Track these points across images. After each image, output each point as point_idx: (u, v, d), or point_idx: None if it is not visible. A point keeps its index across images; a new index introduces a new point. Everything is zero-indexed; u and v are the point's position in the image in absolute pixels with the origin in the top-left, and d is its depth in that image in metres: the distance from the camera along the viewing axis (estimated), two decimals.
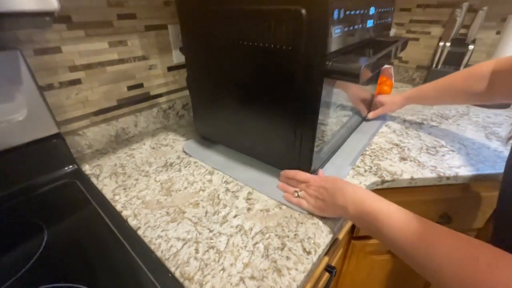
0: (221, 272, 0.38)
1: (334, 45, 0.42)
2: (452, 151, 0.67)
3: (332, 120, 0.55)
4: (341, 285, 0.85)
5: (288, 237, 0.43)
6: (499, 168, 0.60)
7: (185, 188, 0.54)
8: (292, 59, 0.43)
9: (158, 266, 0.39)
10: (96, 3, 0.60)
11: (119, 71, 0.68)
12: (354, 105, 0.69)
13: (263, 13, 0.43)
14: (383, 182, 0.57)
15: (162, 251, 0.41)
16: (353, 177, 0.57)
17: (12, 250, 0.41)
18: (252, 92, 0.53)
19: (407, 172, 0.59)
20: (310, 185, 0.49)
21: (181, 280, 0.37)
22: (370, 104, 0.83)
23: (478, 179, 0.59)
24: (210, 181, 0.56)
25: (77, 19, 0.58)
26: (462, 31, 1.02)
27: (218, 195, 0.52)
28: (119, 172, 0.60)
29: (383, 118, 0.84)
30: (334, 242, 0.54)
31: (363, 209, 0.40)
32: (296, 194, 0.50)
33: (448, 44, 0.97)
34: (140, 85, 0.74)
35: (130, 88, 0.72)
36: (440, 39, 1.03)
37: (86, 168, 0.61)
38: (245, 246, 0.42)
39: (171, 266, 0.39)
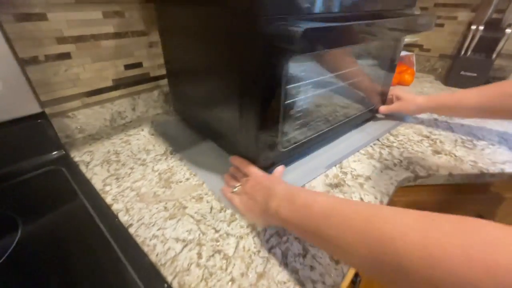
0: (230, 284, 0.30)
1: (290, 6, 0.33)
2: (492, 145, 0.58)
3: (305, 106, 0.45)
4: None
5: None
6: None
7: (187, 179, 0.47)
8: (233, 19, 0.35)
9: (151, 273, 0.31)
10: None
11: (115, 46, 0.61)
12: (355, 92, 0.59)
13: None
14: (416, 178, 0.49)
15: (157, 255, 0.34)
16: (381, 171, 0.49)
17: None
18: (202, 64, 0.47)
19: (443, 167, 0.51)
20: (248, 180, 0.41)
21: None
22: (383, 96, 0.68)
23: None
24: None
25: None
26: (494, 16, 0.93)
27: None
28: (112, 160, 0.52)
29: (399, 118, 0.69)
30: None
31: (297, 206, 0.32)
32: (232, 190, 0.42)
33: (481, 28, 0.87)
34: (139, 64, 0.66)
35: (127, 67, 0.64)
36: (470, 24, 0.94)
37: (76, 155, 0.54)
38: (259, 251, 0.34)
39: (167, 274, 0.31)
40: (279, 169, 0.45)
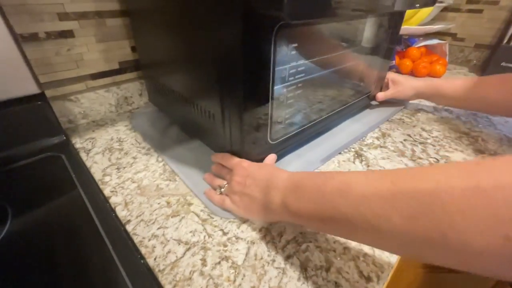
0: None
1: None
2: None
3: (296, 92, 0.38)
4: None
5: (335, 251, 0.30)
6: None
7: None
8: None
9: (147, 280, 0.27)
10: None
11: (122, 26, 0.56)
12: (350, 77, 0.52)
13: None
14: None
15: (155, 258, 0.29)
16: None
17: None
18: (174, 47, 0.42)
19: None
20: (235, 174, 0.34)
21: None
22: (379, 82, 0.62)
23: None
24: None
25: None
26: None
27: None
28: (115, 148, 0.48)
29: (400, 104, 0.64)
30: None
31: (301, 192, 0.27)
32: (219, 190, 0.36)
33: None
34: None
35: (135, 49, 0.60)
36: None
37: (77, 141, 0.50)
38: (273, 261, 0.29)
39: (166, 282, 0.27)
40: (271, 157, 0.40)
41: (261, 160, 0.38)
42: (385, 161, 0.45)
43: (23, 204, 0.36)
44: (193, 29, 0.34)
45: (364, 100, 0.59)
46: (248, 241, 0.31)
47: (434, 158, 0.46)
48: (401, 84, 0.60)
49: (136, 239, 0.31)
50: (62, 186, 0.39)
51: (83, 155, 0.46)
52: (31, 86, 0.43)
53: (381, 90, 0.62)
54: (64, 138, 0.49)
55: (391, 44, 0.57)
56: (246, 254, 0.30)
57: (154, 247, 0.30)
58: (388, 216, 0.19)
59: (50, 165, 0.43)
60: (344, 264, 0.29)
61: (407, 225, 0.18)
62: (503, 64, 0.84)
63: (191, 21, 0.34)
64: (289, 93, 0.37)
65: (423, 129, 0.55)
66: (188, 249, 0.30)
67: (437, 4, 0.85)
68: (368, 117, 0.59)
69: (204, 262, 0.29)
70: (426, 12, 0.86)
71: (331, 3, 0.27)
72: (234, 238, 0.31)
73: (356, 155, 0.47)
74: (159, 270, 0.28)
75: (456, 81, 0.54)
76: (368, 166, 0.44)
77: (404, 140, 0.51)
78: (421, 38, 0.95)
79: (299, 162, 0.44)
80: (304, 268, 0.28)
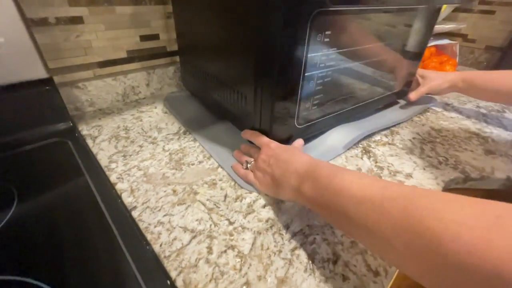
0: None
1: None
2: None
3: (325, 80, 0.39)
4: None
5: (342, 244, 0.30)
6: None
7: (200, 162, 0.42)
8: None
9: (153, 266, 0.27)
10: None
11: (131, 14, 0.56)
12: (380, 71, 0.51)
13: None
14: (466, 179, 0.42)
15: (161, 245, 0.29)
16: (424, 169, 0.42)
17: None
18: (215, 34, 0.43)
19: (499, 169, 0.43)
20: (261, 153, 0.36)
21: None
22: (407, 80, 0.59)
23: None
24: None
25: None
26: None
27: None
28: (121, 136, 0.48)
29: (425, 101, 0.63)
30: None
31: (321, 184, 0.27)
32: (245, 165, 0.38)
33: None
34: (156, 36, 0.61)
35: (143, 38, 0.59)
36: None
37: (83, 128, 0.50)
38: (280, 252, 0.29)
39: (171, 268, 0.26)
40: (299, 141, 0.40)
41: (287, 142, 0.40)
42: (393, 158, 0.45)
43: (29, 187, 0.36)
44: (233, 15, 0.36)
45: (392, 96, 0.58)
46: (254, 231, 0.31)
47: (443, 157, 0.46)
48: (433, 79, 0.58)
49: (142, 225, 0.31)
50: (68, 171, 0.39)
51: (89, 142, 0.46)
52: (40, 70, 0.43)
53: (409, 90, 0.60)
54: (71, 124, 0.49)
55: (423, 43, 0.55)
56: (253, 244, 0.29)
57: (160, 233, 0.30)
58: (392, 242, 0.20)
59: (57, 150, 0.43)
60: (352, 257, 0.28)
61: (408, 256, 0.19)
62: None
63: (231, 7, 0.36)
64: (318, 80, 0.38)
65: (432, 128, 0.55)
66: (194, 237, 0.30)
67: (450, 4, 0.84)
68: (393, 114, 0.58)
69: (210, 250, 0.28)
70: None
71: None
72: (240, 228, 0.31)
73: (364, 151, 0.46)
74: (165, 256, 0.28)
75: (492, 74, 0.53)
76: (376, 162, 0.43)
77: (413, 138, 0.51)
78: (431, 38, 0.94)
79: (321, 148, 0.45)
80: (311, 260, 0.28)
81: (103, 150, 0.44)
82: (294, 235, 0.30)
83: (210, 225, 0.31)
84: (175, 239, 0.29)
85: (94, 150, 0.44)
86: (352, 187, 0.24)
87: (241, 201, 0.35)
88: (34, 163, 0.41)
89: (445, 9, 0.87)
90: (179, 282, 0.25)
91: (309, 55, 0.33)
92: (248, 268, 0.27)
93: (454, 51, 0.91)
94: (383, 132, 0.52)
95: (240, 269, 0.27)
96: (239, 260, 0.28)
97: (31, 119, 0.45)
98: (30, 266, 0.27)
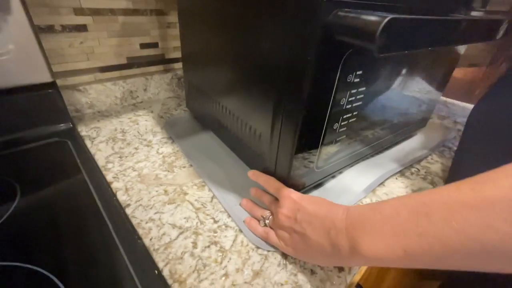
0: (223, 278, 0.28)
1: None
2: None
3: (347, 119, 0.35)
4: None
5: None
6: None
7: (191, 165, 0.45)
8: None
9: (143, 257, 0.30)
10: None
11: (132, 23, 0.59)
12: (405, 104, 0.46)
13: None
14: None
15: (151, 239, 0.32)
16: (396, 178, 0.46)
17: None
18: (226, 58, 0.39)
19: None
20: (282, 206, 0.31)
21: (169, 281, 0.28)
22: (430, 109, 0.56)
23: None
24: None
25: None
26: None
27: None
28: (118, 138, 0.51)
29: (443, 132, 0.62)
30: None
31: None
32: (262, 222, 0.33)
33: None
34: (155, 44, 0.65)
35: (143, 46, 0.63)
36: None
37: (83, 129, 0.53)
38: (257, 248, 0.32)
39: (159, 260, 0.30)
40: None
41: (302, 187, 0.37)
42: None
43: (31, 183, 0.39)
44: (253, 39, 0.32)
45: (412, 127, 0.55)
46: (236, 229, 0.34)
47: (416, 168, 0.50)
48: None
49: (134, 221, 0.34)
50: (68, 169, 0.42)
51: (87, 143, 0.49)
52: (45, 74, 0.46)
53: (430, 115, 0.57)
54: (71, 125, 0.52)
55: (451, 69, 0.52)
56: (234, 241, 0.33)
57: (151, 229, 0.33)
58: (491, 225, 0.17)
59: (57, 149, 0.46)
60: None
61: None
62: None
63: (253, 31, 0.32)
64: (343, 122, 0.34)
65: None
66: (181, 233, 0.33)
67: None
68: (411, 147, 0.55)
69: (195, 245, 0.32)
70: None
71: (432, 34, 0.25)
72: (223, 226, 0.34)
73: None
74: (154, 249, 0.31)
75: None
76: None
77: None
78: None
79: (338, 186, 0.42)
80: (284, 256, 0.31)
81: (101, 151, 0.47)
82: None
83: (197, 223, 0.35)
84: (164, 234, 0.33)
85: (92, 150, 0.47)
86: (430, 205, 0.20)
87: None
88: (36, 160, 0.44)
89: None
90: (165, 272, 0.29)
91: (336, 95, 0.30)
92: (228, 261, 0.30)
93: None
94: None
95: (221, 262, 0.30)
96: (221, 254, 0.31)
97: (34, 119, 0.48)
98: (31, 254, 0.29)
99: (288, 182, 0.34)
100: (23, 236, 0.31)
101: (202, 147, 0.49)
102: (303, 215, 0.28)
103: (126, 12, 0.58)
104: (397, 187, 0.44)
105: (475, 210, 0.18)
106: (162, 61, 0.68)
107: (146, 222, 0.34)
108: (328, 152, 0.37)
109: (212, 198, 0.39)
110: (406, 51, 0.23)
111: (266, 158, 0.36)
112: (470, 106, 0.79)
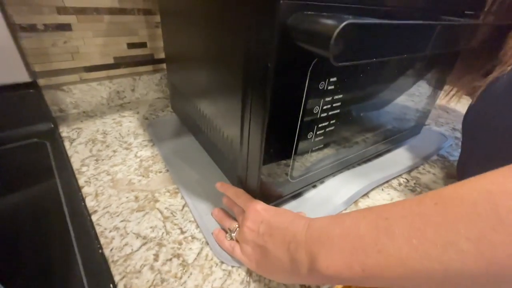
0: None
1: None
2: None
3: (323, 127, 0.32)
4: None
5: None
6: None
7: (167, 170, 0.44)
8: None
9: (100, 269, 0.29)
10: None
11: (119, 23, 0.58)
12: (393, 112, 0.43)
13: None
14: None
15: (112, 249, 0.31)
16: (382, 189, 0.44)
17: None
18: (200, 57, 0.37)
19: None
20: (247, 218, 0.29)
21: None
22: (424, 115, 0.52)
23: None
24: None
25: None
26: None
27: None
28: (98, 140, 0.50)
29: (438, 139, 0.58)
30: None
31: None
32: (229, 235, 0.31)
33: None
34: (143, 44, 0.64)
35: (130, 46, 0.62)
36: None
37: (64, 130, 0.52)
38: (222, 263, 0.30)
39: (116, 273, 0.28)
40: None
41: (277, 198, 0.35)
42: None
43: (1, 186, 0.38)
44: (222, 39, 0.30)
45: (403, 136, 0.51)
46: (202, 241, 0.33)
47: (405, 178, 0.47)
48: None
49: (98, 229, 0.33)
50: (41, 172, 0.41)
51: (67, 144, 0.48)
52: (23, 74, 0.45)
53: (424, 121, 0.53)
54: (52, 126, 0.51)
55: (447, 70, 0.47)
56: (198, 254, 0.31)
57: (113, 238, 0.32)
58: (453, 243, 0.15)
59: (34, 151, 0.46)
60: None
61: (479, 248, 0.15)
62: None
63: (221, 32, 0.30)
64: (319, 130, 0.32)
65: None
66: (144, 244, 0.32)
67: None
68: (402, 156, 0.52)
69: (156, 257, 0.30)
70: None
71: (398, 41, 0.22)
72: (190, 238, 0.33)
73: None
74: (113, 261, 0.29)
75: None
76: None
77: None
78: None
79: (316, 201, 0.39)
80: (249, 273, 0.29)
81: (78, 153, 0.46)
82: None
83: (162, 233, 0.33)
84: (126, 244, 0.31)
85: (70, 152, 0.46)
86: (391, 220, 0.19)
87: None
88: (10, 162, 0.43)
89: None
90: (120, 287, 0.27)
91: (308, 103, 0.28)
92: (188, 277, 0.29)
93: None
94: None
95: (181, 277, 0.28)
96: (182, 268, 0.29)
97: (13, 120, 0.47)
98: None
99: (259, 193, 0.32)
100: None
101: (182, 152, 0.48)
102: (265, 227, 0.27)
103: (112, 11, 0.56)
104: (382, 199, 0.42)
105: (436, 227, 0.16)
106: (151, 61, 0.67)
107: (110, 231, 0.33)
108: (305, 162, 0.35)
109: (183, 206, 0.37)
110: (368, 60, 0.20)
111: (238, 167, 0.34)
112: None
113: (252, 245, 0.27)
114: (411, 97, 0.45)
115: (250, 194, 0.33)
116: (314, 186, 0.42)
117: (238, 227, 0.31)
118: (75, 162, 0.44)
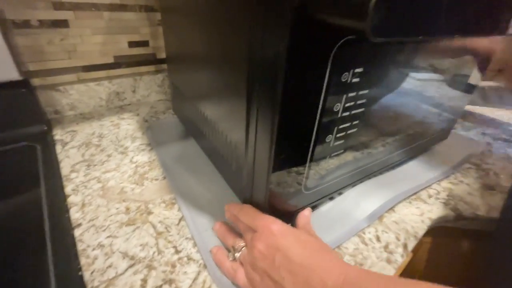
0: None
1: None
2: None
3: (344, 129, 0.27)
4: None
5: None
6: None
7: (164, 177, 0.39)
8: None
9: None
10: None
11: (120, 20, 0.55)
12: (423, 112, 0.38)
13: None
14: (458, 218, 0.37)
15: (93, 272, 0.26)
16: (410, 203, 0.38)
17: None
18: (203, 54, 0.32)
19: (497, 208, 0.38)
20: (259, 239, 0.24)
21: None
22: (454, 119, 0.47)
23: None
24: None
25: None
26: None
27: None
28: (93, 143, 0.46)
29: (467, 145, 0.52)
30: None
31: None
32: (231, 256, 0.26)
33: None
34: (145, 43, 0.60)
35: (131, 44, 0.59)
36: None
37: (58, 133, 0.49)
38: None
39: None
40: (306, 213, 0.29)
41: (288, 213, 0.30)
42: None
43: None
44: (224, 32, 0.25)
45: (428, 142, 0.46)
46: (200, 264, 0.27)
47: (434, 189, 0.41)
48: None
49: (80, 247, 0.28)
50: (25, 180, 0.37)
51: (58, 148, 0.44)
52: (12, 72, 0.42)
53: (453, 125, 0.48)
54: (45, 128, 0.48)
55: (483, 68, 0.41)
56: (194, 280, 0.26)
57: (96, 258, 0.27)
58: None
59: (23, 155, 0.42)
60: None
61: None
62: None
63: (223, 24, 0.26)
64: (339, 132, 0.27)
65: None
66: (131, 266, 0.27)
67: None
68: (433, 161, 0.46)
69: (144, 283, 0.25)
70: None
71: (442, 18, 0.17)
72: (186, 259, 0.28)
73: None
74: (92, 287, 0.25)
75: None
76: None
77: None
78: None
79: (335, 214, 0.34)
80: None
81: (69, 158, 0.42)
82: None
83: (154, 253, 0.28)
84: (110, 266, 0.27)
85: (61, 157, 0.42)
86: None
87: None
88: None
89: None
90: None
91: (328, 99, 0.23)
92: None
93: None
94: None
95: None
96: None
97: (3, 122, 0.44)
98: None
99: (267, 206, 0.27)
100: None
101: (182, 157, 0.43)
102: (283, 259, 0.22)
103: (112, 7, 0.53)
104: (411, 214, 0.36)
105: None
106: (153, 61, 0.63)
107: (93, 249, 0.28)
108: (321, 170, 0.29)
109: (180, 220, 0.32)
110: (414, 38, 0.15)
111: (244, 176, 0.29)
112: (500, 115, 0.69)
113: (261, 273, 0.22)
114: (442, 95, 0.39)
115: (257, 208, 0.28)
116: (331, 198, 0.36)
117: (245, 246, 0.26)
118: (65, 168, 0.40)
